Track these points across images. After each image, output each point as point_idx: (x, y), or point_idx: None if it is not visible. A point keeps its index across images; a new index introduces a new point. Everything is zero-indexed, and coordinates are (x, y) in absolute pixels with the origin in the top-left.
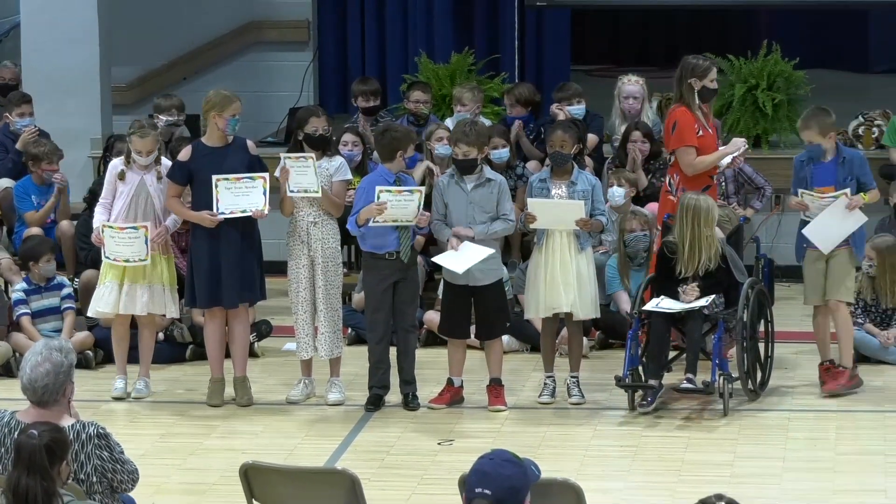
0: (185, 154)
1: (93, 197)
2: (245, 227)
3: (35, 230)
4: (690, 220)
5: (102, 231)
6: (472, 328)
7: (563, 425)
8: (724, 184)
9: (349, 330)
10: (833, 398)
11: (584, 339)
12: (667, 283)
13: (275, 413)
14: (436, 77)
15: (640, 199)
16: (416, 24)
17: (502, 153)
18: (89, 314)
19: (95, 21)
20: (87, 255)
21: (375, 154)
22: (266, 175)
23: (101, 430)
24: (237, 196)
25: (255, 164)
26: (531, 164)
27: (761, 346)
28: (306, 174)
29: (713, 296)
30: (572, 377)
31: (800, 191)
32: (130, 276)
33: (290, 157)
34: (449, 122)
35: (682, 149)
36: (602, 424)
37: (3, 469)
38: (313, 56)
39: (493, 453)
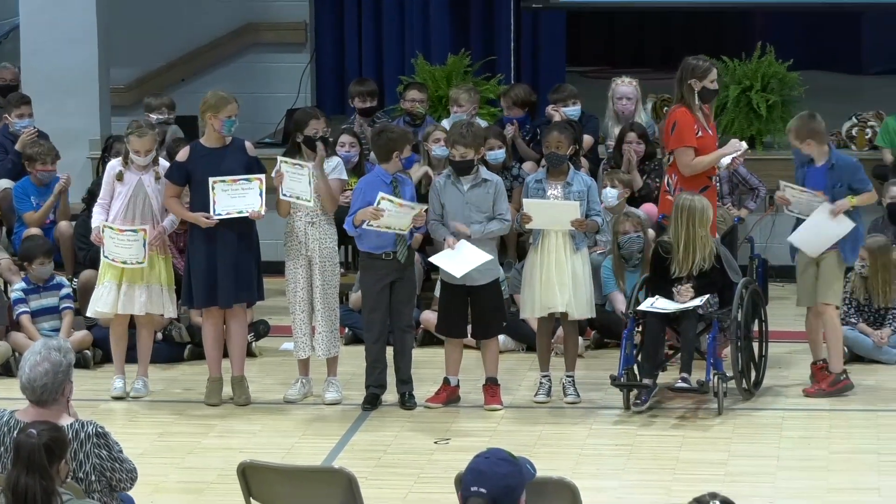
0: (183, 154)
1: (91, 197)
2: (242, 228)
3: (35, 230)
4: (685, 220)
5: (102, 230)
6: (469, 328)
7: (558, 424)
8: (718, 184)
9: (346, 329)
10: (826, 398)
11: (580, 338)
12: (661, 282)
13: (272, 412)
14: (432, 78)
15: (634, 199)
16: (412, 26)
17: (498, 154)
18: (88, 314)
19: (94, 22)
20: (85, 256)
21: (372, 155)
22: (262, 177)
23: (99, 429)
24: (233, 197)
25: (253, 166)
26: (527, 165)
27: (755, 345)
28: (300, 181)
29: (707, 295)
30: (568, 376)
31: (782, 183)
32: (129, 276)
33: (286, 162)
34: (445, 124)
35: (681, 149)
36: (597, 423)
37: (2, 468)
38: (310, 57)
39: (489, 452)
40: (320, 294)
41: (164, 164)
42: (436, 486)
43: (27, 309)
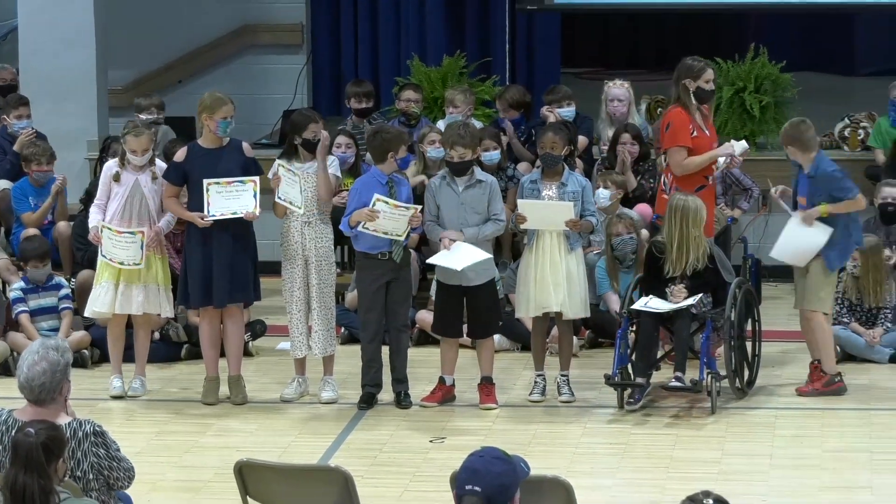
0: (180, 155)
1: (89, 198)
2: (239, 229)
3: (33, 231)
4: (679, 220)
5: (101, 230)
6: (465, 327)
7: (553, 423)
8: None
9: (342, 329)
10: (819, 397)
11: (574, 338)
12: (655, 282)
13: (269, 411)
14: (428, 80)
15: (628, 200)
16: (408, 28)
17: (493, 155)
18: (86, 314)
19: (92, 24)
20: (83, 256)
21: (368, 156)
22: (257, 178)
23: (97, 428)
24: (228, 199)
25: (250, 166)
26: (522, 166)
27: (749, 344)
28: (293, 187)
29: (701, 295)
30: (562, 375)
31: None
32: (126, 276)
33: (283, 166)
34: (441, 124)
35: (674, 148)
36: (591, 422)
37: (0, 467)
38: (307, 59)
39: (483, 451)
40: (317, 294)
41: (160, 164)
42: (431, 484)
43: (26, 308)
